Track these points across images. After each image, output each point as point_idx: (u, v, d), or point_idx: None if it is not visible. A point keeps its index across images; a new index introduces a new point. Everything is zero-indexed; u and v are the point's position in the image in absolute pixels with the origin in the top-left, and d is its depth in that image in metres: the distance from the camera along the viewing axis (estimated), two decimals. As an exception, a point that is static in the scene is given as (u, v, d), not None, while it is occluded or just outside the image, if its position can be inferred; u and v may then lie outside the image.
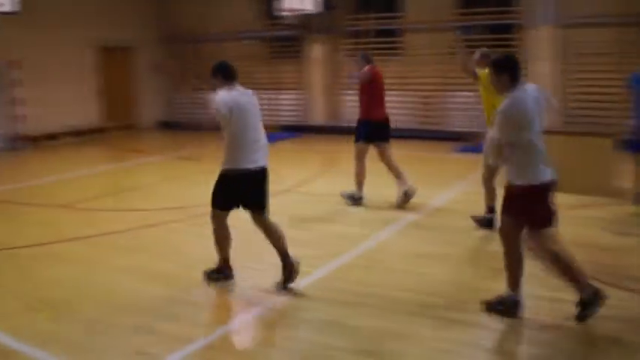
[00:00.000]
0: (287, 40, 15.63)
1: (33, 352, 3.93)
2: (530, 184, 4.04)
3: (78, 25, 14.58)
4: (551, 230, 4.11)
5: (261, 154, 4.87)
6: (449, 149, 12.01)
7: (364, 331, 4.13)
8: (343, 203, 7.72)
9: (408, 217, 7.02)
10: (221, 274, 5.03)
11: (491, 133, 4.44)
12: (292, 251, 5.78)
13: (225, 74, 4.89)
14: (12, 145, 13.14)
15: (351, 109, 14.75)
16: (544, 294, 4.55)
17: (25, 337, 4.11)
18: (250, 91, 5.06)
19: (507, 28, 12.96)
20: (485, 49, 6.64)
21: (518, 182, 4.06)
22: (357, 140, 7.67)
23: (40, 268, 5.58)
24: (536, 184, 4.04)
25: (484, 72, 6.04)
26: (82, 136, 14.80)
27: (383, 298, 4.65)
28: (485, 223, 6.38)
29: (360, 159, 7.64)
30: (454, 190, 8.43)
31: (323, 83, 15.08)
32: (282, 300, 4.67)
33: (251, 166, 4.76)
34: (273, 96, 15.81)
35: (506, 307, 4.23)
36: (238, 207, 4.88)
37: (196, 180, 9.48)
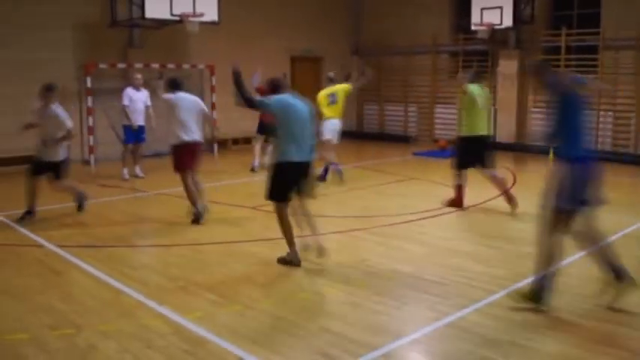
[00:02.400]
0: (477, 55, 15.46)
1: (221, 343, 4.20)
2: None
3: (271, 36, 15.52)
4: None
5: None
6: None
7: (543, 355, 4.04)
8: (528, 222, 7.53)
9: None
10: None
11: None
12: (478, 268, 5.81)
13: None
14: (203, 147, 14.26)
15: (538, 127, 14.22)
16: None
17: (213, 329, 4.42)
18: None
19: None
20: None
21: None
22: None
23: (228, 265, 6.02)
24: None
25: None
26: (268, 141, 15.79)
27: (567, 324, 4.50)
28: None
29: None
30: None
31: (512, 99, 14.67)
32: (460, 315, 4.71)
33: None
34: (457, 111, 15.71)
35: None
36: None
37: (381, 191, 9.77)
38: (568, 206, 4.67)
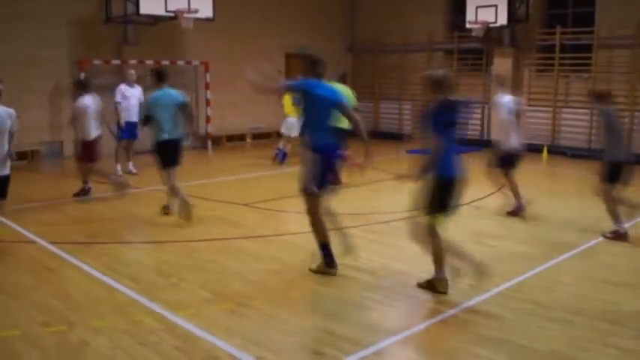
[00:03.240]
0: (472, 53, 15.49)
1: (213, 340, 4.21)
2: None
3: (266, 33, 15.51)
4: None
5: None
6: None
7: (535, 353, 4.06)
8: (520, 221, 7.60)
9: (591, 241, 6.70)
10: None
11: None
12: (462, 265, 5.81)
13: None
14: (198, 144, 14.35)
15: (535, 126, 14.27)
16: None
17: (206, 326, 4.42)
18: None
19: None
20: None
21: None
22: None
23: (220, 262, 6.02)
24: None
25: None
26: (262, 138, 15.82)
27: (559, 322, 4.52)
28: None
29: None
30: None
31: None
32: (456, 312, 4.73)
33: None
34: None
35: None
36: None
37: (375, 188, 9.78)
38: (315, 188, 5.38)
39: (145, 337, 4.25)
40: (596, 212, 8.09)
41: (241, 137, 15.61)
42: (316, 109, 5.42)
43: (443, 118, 4.91)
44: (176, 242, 6.69)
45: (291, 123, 11.69)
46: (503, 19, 13.83)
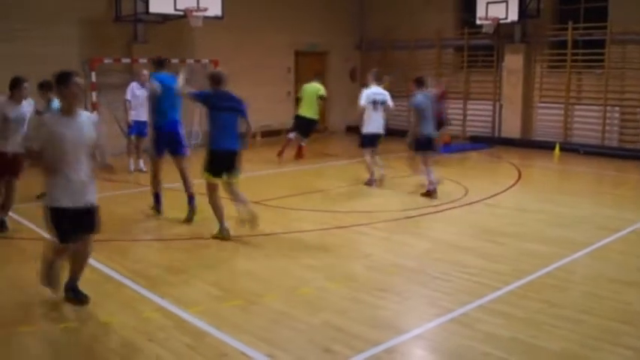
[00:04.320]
0: (482, 50, 15.41)
1: (223, 337, 4.21)
2: None
3: (275, 30, 15.47)
4: None
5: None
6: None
7: (546, 351, 4.03)
8: (532, 219, 7.56)
9: (603, 239, 6.64)
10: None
11: None
12: (481, 264, 5.80)
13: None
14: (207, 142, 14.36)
15: (547, 123, 14.19)
16: None
17: (215, 323, 4.42)
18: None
19: None
20: None
21: None
22: None
23: (230, 260, 6.05)
24: None
25: None
26: (274, 136, 15.82)
27: (570, 321, 4.48)
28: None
29: None
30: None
31: (517, 95, 14.61)
32: (466, 310, 4.70)
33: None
34: (462, 105, 15.71)
35: None
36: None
37: (384, 186, 9.75)
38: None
39: (155, 334, 4.25)
40: (608, 210, 8.06)
41: (251, 135, 15.60)
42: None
43: (214, 102, 6.59)
44: (186, 239, 6.70)
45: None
46: (514, 15, 13.73)
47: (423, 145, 8.85)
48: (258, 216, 6.70)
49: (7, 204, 6.90)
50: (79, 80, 4.53)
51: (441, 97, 11.55)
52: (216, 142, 6.59)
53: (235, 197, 6.75)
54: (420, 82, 8.98)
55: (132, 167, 10.73)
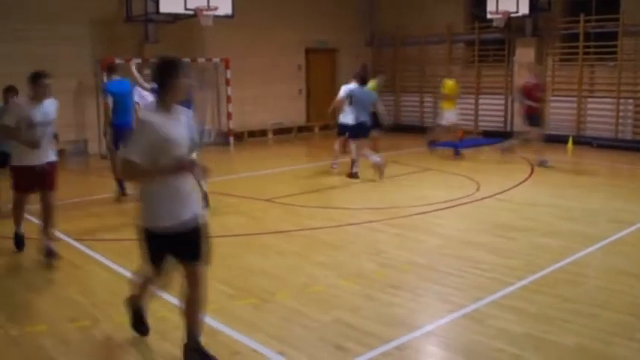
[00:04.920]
0: (493, 44, 15.33)
1: (235, 335, 4.24)
2: None
3: (286, 28, 15.52)
4: None
5: None
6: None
7: (560, 347, 4.02)
8: (545, 213, 7.52)
9: (616, 233, 6.60)
10: None
11: None
12: (493, 259, 5.78)
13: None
14: (220, 140, 14.44)
15: (560, 116, 14.10)
16: None
17: (228, 321, 4.46)
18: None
19: None
20: None
21: None
22: None
23: (242, 258, 6.05)
24: None
25: None
26: (285, 134, 15.84)
27: (584, 316, 4.47)
28: None
29: None
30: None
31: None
32: (479, 307, 4.69)
33: None
34: (474, 100, 15.64)
35: None
36: None
37: (397, 182, 9.75)
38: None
39: (169, 333, 4.29)
40: (622, 204, 8.00)
41: (263, 133, 15.65)
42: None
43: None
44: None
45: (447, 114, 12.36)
46: (525, 9, 13.65)
47: (356, 131, 9.97)
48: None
49: (47, 224, 5.95)
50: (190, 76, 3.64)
51: (534, 91, 11.02)
52: None
53: None
54: (358, 77, 10.28)
55: None
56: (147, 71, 11.04)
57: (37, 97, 5.71)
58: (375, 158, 9.83)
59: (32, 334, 4.32)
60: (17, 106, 5.87)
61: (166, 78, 3.51)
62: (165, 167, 3.45)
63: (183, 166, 3.51)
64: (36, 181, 5.81)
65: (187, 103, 6.68)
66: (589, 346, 4.01)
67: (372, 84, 11.82)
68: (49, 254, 5.82)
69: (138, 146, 3.42)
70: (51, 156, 5.92)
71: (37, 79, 5.66)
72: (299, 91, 16.46)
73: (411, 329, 4.32)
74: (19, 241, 6.29)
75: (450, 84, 12.35)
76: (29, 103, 5.71)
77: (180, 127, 3.60)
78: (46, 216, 5.96)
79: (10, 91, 7.59)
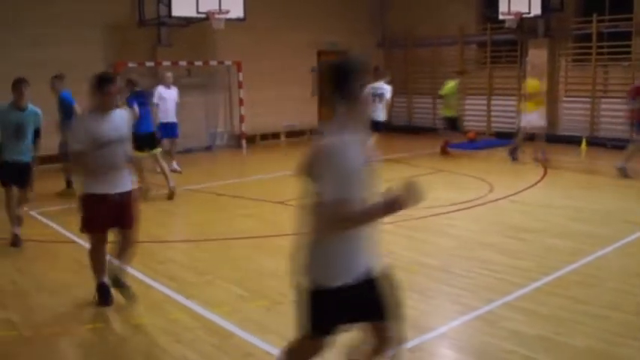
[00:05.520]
0: (506, 45, 15.27)
1: (248, 337, 4.26)
2: None
3: (297, 30, 15.50)
4: None
5: None
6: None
7: (572, 349, 4.01)
8: (558, 214, 7.49)
9: (630, 235, 6.56)
10: None
11: None
12: (505, 261, 5.76)
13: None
14: (232, 143, 14.46)
15: (573, 117, 14.01)
16: None
17: (241, 323, 4.47)
18: None
19: None
20: None
21: None
22: None
23: (255, 260, 6.07)
24: None
25: None
26: (297, 136, 15.86)
27: (596, 318, 4.45)
28: None
29: None
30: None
31: (542, 89, 14.43)
32: (490, 308, 4.68)
33: None
34: (486, 101, 15.58)
35: None
36: None
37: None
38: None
39: (182, 335, 4.32)
40: (635, 205, 7.95)
41: (275, 136, 15.68)
42: None
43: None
44: (211, 240, 6.78)
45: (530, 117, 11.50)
46: (537, 9, 13.58)
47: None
48: None
49: (122, 259, 5.00)
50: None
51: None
52: None
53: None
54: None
55: (175, 166, 10.97)
56: (168, 73, 11.19)
57: (105, 107, 4.55)
58: None
59: (46, 335, 4.38)
60: (82, 122, 4.82)
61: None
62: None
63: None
64: (115, 215, 4.72)
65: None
66: (601, 348, 3.99)
67: (451, 84, 12.34)
68: (117, 284, 4.94)
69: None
70: (127, 183, 4.78)
71: (103, 85, 4.51)
72: (311, 93, 16.48)
73: (422, 331, 4.32)
74: (105, 293, 4.92)
75: (533, 83, 11.65)
76: (93, 118, 4.59)
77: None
78: (122, 254, 4.97)
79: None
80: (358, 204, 2.68)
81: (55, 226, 7.37)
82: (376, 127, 10.76)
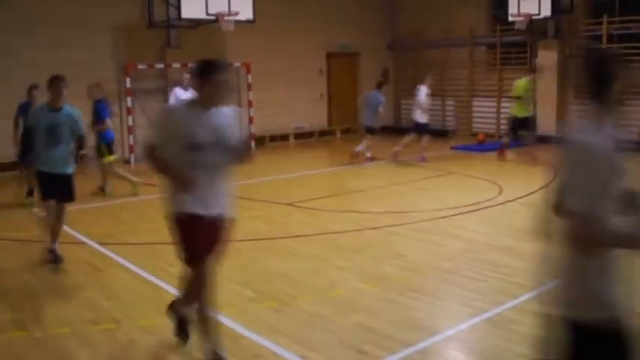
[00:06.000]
0: (515, 46, 15.21)
1: (257, 339, 4.26)
2: None
3: (306, 32, 15.52)
4: None
5: None
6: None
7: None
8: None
9: None
10: None
11: None
12: (515, 263, 5.72)
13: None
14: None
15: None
16: None
17: (250, 325, 4.47)
18: None
19: None
20: None
21: None
22: None
23: (263, 261, 6.07)
24: None
25: None
26: (307, 138, 15.86)
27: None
28: None
29: None
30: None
31: (552, 91, 14.38)
32: (501, 311, 4.65)
33: None
34: (496, 103, 15.52)
35: None
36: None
37: (419, 186, 9.72)
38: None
39: (190, 336, 4.31)
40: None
41: (284, 137, 15.69)
42: None
43: None
44: (220, 242, 6.76)
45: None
46: (546, 11, 13.52)
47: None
48: None
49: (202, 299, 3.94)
50: None
51: None
52: None
53: None
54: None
55: None
56: (187, 75, 11.23)
57: (210, 101, 3.59)
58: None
59: (56, 336, 4.39)
60: (168, 116, 3.79)
61: None
62: None
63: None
64: (213, 241, 3.86)
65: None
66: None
67: (523, 83, 12.00)
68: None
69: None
70: (224, 204, 3.86)
71: (210, 71, 3.53)
72: (320, 95, 16.48)
73: (432, 333, 4.30)
74: (183, 328, 4.14)
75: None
76: (190, 112, 3.59)
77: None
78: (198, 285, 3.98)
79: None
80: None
81: (65, 227, 7.39)
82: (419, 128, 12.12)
